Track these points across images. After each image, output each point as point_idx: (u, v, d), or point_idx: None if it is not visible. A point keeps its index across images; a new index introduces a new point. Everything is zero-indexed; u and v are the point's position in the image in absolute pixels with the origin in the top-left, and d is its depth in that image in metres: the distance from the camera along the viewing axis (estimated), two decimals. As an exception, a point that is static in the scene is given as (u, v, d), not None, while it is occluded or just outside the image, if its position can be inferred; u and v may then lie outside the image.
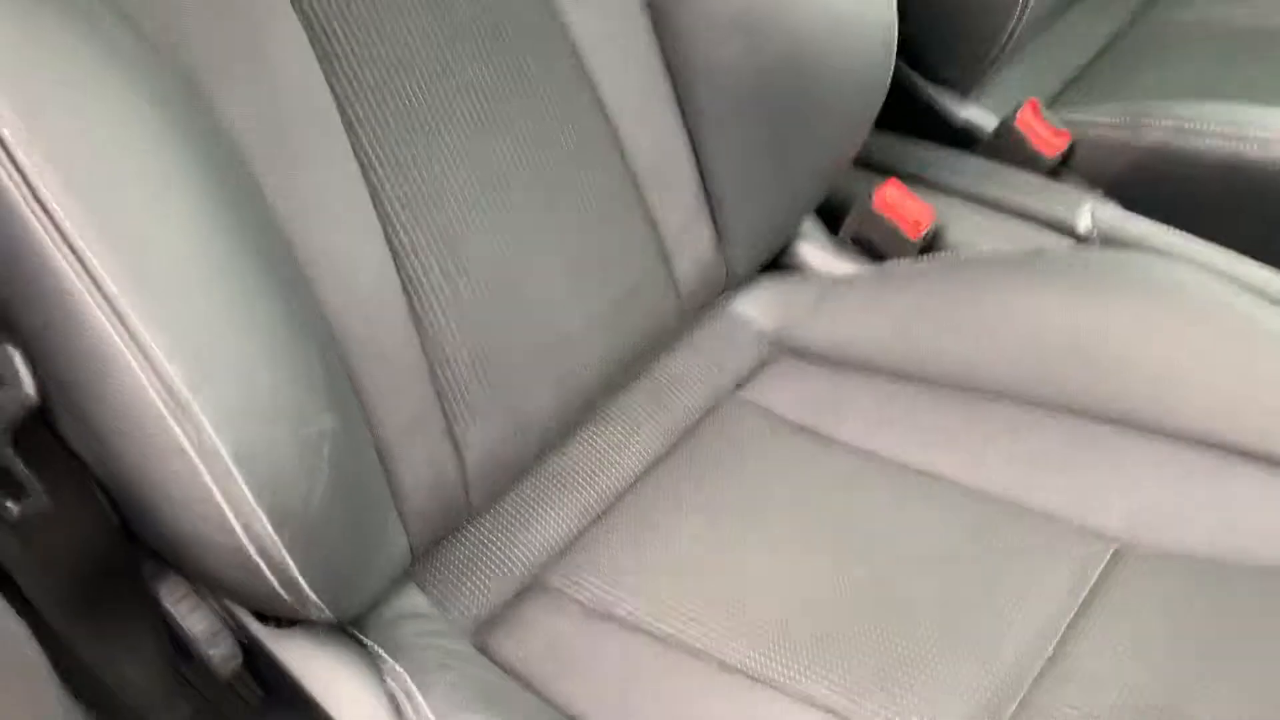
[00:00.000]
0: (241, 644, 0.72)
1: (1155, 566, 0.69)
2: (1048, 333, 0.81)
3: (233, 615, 0.71)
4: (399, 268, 0.70)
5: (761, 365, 0.96)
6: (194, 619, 0.69)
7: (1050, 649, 0.66)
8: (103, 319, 0.49)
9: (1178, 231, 0.91)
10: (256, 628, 0.70)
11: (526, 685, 0.73)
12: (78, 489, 0.61)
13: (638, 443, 0.89)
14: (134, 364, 0.50)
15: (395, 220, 0.70)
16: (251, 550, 0.56)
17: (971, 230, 0.96)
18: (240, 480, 0.53)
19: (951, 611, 0.70)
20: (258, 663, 0.74)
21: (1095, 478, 0.76)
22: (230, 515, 0.53)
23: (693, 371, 0.93)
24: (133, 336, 0.49)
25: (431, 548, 0.80)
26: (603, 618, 0.76)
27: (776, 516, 0.80)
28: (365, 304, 0.68)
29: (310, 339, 0.59)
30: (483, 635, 0.78)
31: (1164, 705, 0.62)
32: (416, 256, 0.71)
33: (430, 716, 0.65)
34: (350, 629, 0.73)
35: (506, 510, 0.83)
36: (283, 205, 0.63)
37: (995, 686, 0.65)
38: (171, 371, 0.50)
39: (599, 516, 0.85)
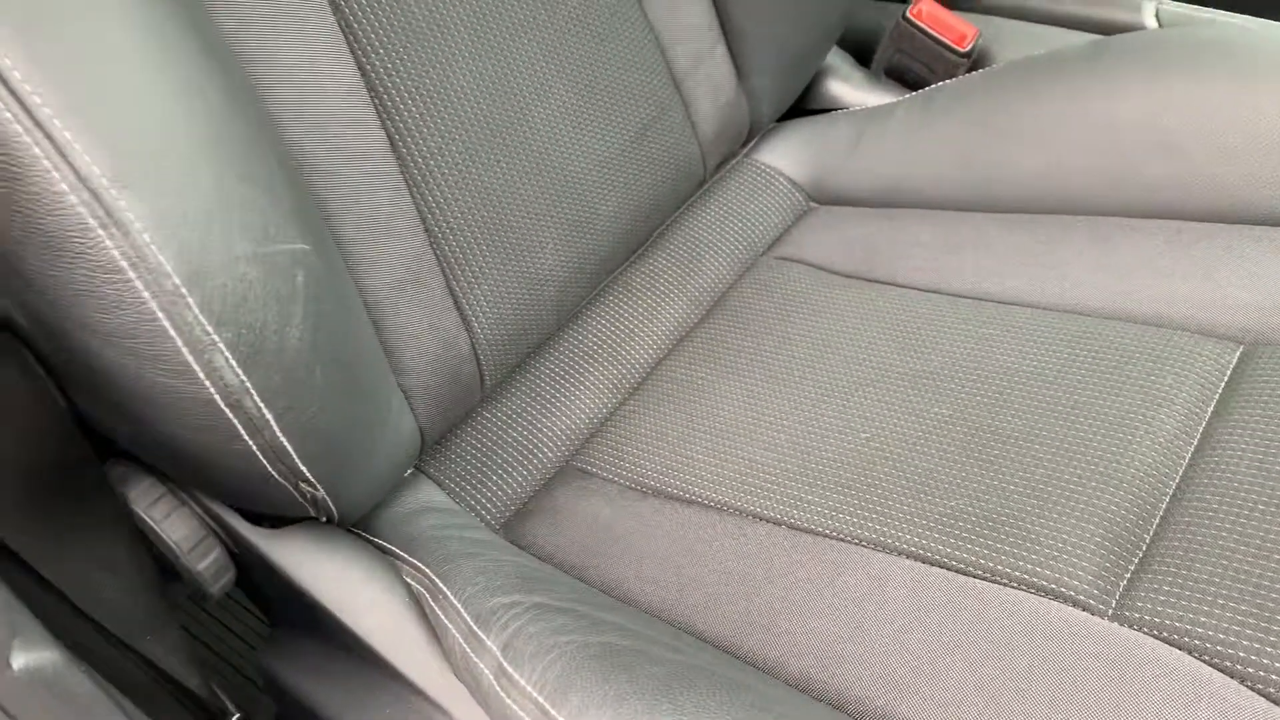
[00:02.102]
0: (232, 556, 0.62)
1: (1294, 363, 0.59)
2: (1129, 127, 0.70)
3: (219, 521, 0.61)
4: (373, 95, 0.59)
5: (799, 218, 0.85)
6: (172, 524, 0.59)
7: (1184, 464, 0.56)
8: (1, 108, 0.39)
9: (1249, 17, 0.80)
10: (248, 530, 0.60)
11: (566, 572, 0.63)
12: (10, 363, 0.50)
13: (668, 310, 0.78)
14: (43, 158, 0.39)
15: (362, 38, 0.59)
16: (218, 399, 0.45)
17: (1023, 44, 0.84)
18: (192, 303, 0.42)
19: (1064, 438, 0.59)
20: (255, 580, 0.64)
21: (1209, 276, 0.65)
22: (185, 350, 0.43)
23: (723, 231, 0.83)
24: (39, 125, 0.39)
25: (445, 436, 0.70)
26: (646, 493, 0.65)
27: (836, 368, 0.69)
28: (334, 136, 0.57)
29: (267, 152, 0.48)
30: (512, 529, 0.68)
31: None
32: (392, 82, 0.60)
33: (460, 607, 0.54)
34: (357, 530, 0.63)
35: (527, 391, 0.73)
36: (230, 21, 0.52)
37: (1126, 511, 0.54)
38: (90, 164, 0.39)
39: (632, 391, 0.74)
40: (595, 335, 0.76)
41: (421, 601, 0.58)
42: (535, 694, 0.48)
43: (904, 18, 0.84)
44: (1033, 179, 0.74)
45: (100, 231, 0.40)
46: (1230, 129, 0.67)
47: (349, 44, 0.58)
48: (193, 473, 0.56)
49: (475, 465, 0.70)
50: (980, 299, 0.70)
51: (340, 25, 0.58)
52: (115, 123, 0.40)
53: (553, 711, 0.46)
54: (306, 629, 0.67)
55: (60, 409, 0.54)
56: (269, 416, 0.47)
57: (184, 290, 0.42)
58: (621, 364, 0.75)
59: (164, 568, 0.62)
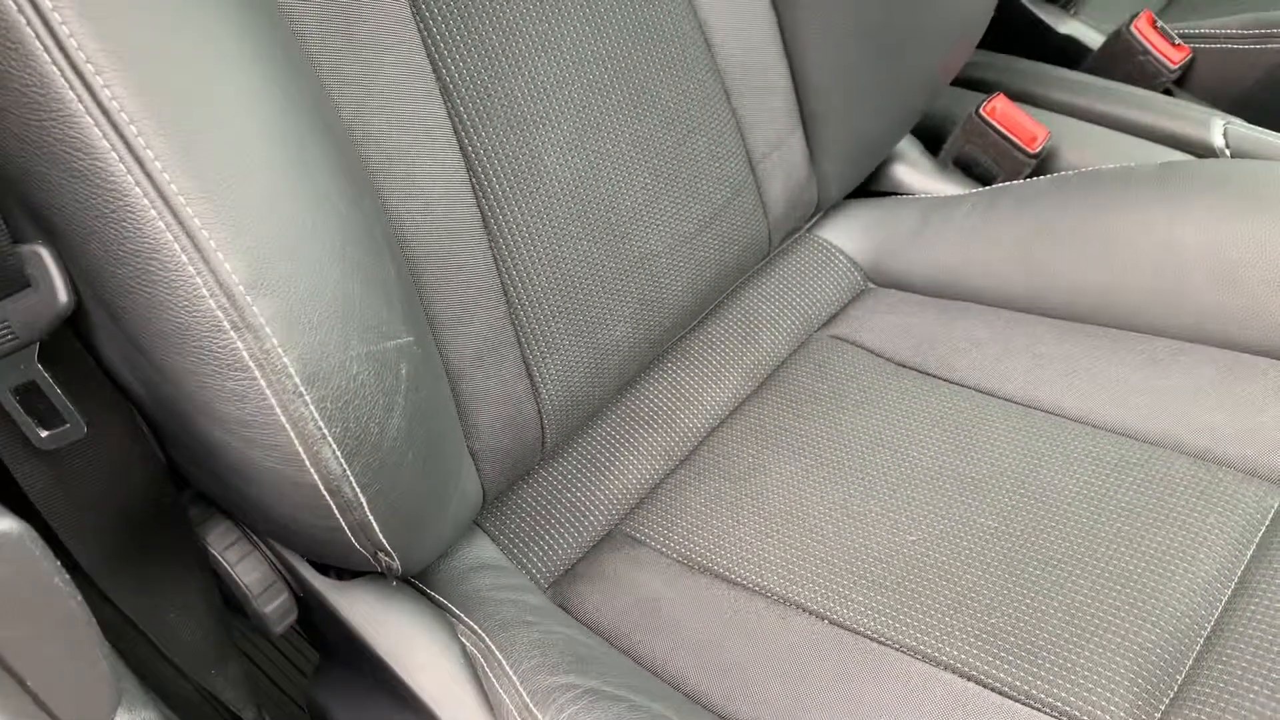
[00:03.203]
0: (296, 598, 0.65)
1: (1336, 513, 0.61)
2: (1190, 253, 0.72)
3: (288, 566, 0.63)
4: (472, 176, 0.62)
5: (856, 298, 0.87)
6: (245, 568, 0.62)
7: (1220, 606, 0.58)
8: (150, 208, 0.41)
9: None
10: (315, 579, 0.63)
11: (613, 643, 0.65)
12: (116, 418, 0.53)
13: (723, 381, 0.80)
14: (185, 260, 0.41)
15: (468, 123, 0.62)
16: (320, 484, 0.48)
17: (1090, 149, 0.86)
18: (309, 400, 0.44)
19: (1101, 565, 0.61)
20: (314, 619, 0.67)
21: (1258, 414, 0.67)
22: (297, 442, 0.45)
23: (781, 305, 0.85)
24: (184, 229, 0.41)
25: (503, 494, 0.73)
26: (693, 570, 0.68)
27: (884, 461, 0.71)
28: (435, 216, 0.60)
29: (382, 246, 0.51)
30: (561, 589, 0.70)
31: (1362, 669, 0.53)
32: (491, 165, 0.63)
33: (516, 679, 0.57)
34: (417, 583, 0.66)
35: (582, 454, 0.75)
36: (349, 105, 0.55)
37: (1162, 649, 0.56)
38: (228, 269, 0.42)
39: (683, 460, 0.77)
40: (651, 402, 0.78)
41: (475, 665, 0.60)
42: (589, 783, 0.50)
43: (977, 114, 0.86)
44: (1090, 291, 0.76)
45: (232, 333, 0.42)
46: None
47: (454, 127, 0.61)
48: (275, 530, 0.59)
49: (529, 523, 0.72)
50: (1031, 407, 0.73)
51: (448, 111, 0.61)
52: (255, 230, 0.43)
53: (606, 803, 0.49)
54: (357, 669, 0.70)
55: (156, 459, 0.57)
56: (363, 500, 0.50)
57: (303, 389, 0.44)
58: (674, 432, 0.78)
59: (230, 603, 0.65)
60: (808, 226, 0.89)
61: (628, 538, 0.72)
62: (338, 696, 0.69)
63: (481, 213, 0.63)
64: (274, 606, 0.63)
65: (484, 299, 0.64)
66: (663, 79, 0.71)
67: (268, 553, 0.63)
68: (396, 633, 0.62)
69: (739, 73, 0.76)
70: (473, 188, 0.62)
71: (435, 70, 0.60)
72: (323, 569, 0.63)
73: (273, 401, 0.44)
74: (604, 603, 0.68)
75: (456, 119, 0.61)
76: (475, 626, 0.62)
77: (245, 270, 0.42)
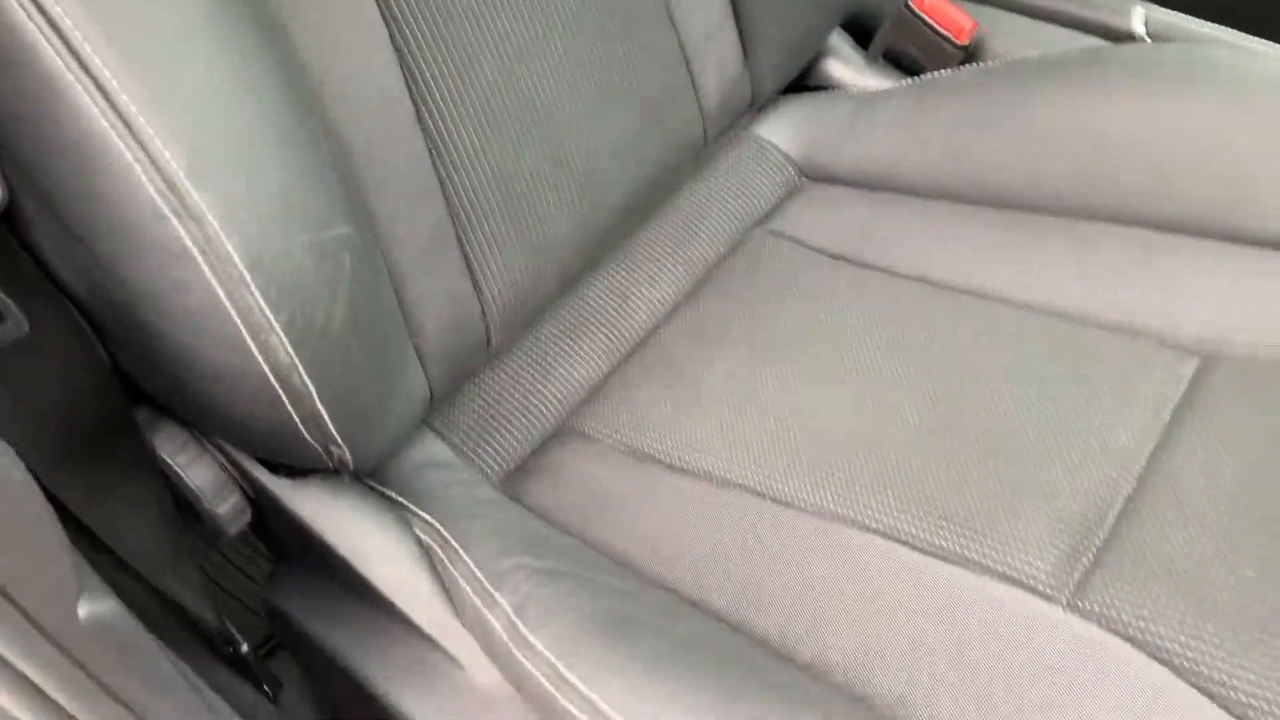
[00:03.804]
0: (249, 500, 0.66)
1: (1243, 375, 0.64)
2: (1114, 136, 0.74)
3: (240, 468, 0.64)
4: (406, 74, 0.61)
5: (791, 194, 0.88)
6: (196, 470, 0.62)
7: (1139, 469, 0.61)
8: (83, 94, 0.41)
9: (1235, 31, 0.84)
10: (267, 479, 0.63)
11: (566, 531, 0.67)
12: (58, 317, 0.53)
13: (664, 279, 0.81)
14: (123, 148, 0.41)
15: (401, 20, 0.61)
16: (269, 374, 0.48)
17: (1016, 39, 0.88)
18: (254, 287, 0.45)
19: (1029, 435, 0.64)
20: (267, 522, 0.68)
21: (1173, 289, 0.70)
22: (244, 331, 0.46)
23: (718, 203, 0.86)
24: (120, 115, 0.41)
25: (451, 394, 0.73)
26: (641, 460, 0.70)
27: (821, 348, 0.74)
28: (371, 115, 0.60)
29: (319, 141, 0.50)
30: (512, 484, 0.72)
31: (1267, 518, 0.57)
32: (424, 62, 0.62)
33: (472, 564, 0.59)
34: (368, 481, 0.67)
35: (528, 353, 0.76)
36: (283, 3, 0.54)
37: (1084, 511, 0.59)
38: (167, 156, 0.41)
39: (628, 357, 0.78)
40: (594, 301, 0.79)
41: (431, 555, 0.62)
42: (548, 654, 0.52)
43: (906, 6, 0.87)
44: (1017, 178, 0.78)
45: (175, 220, 0.42)
46: (1206, 148, 0.71)
47: (387, 23, 0.60)
48: (225, 428, 0.59)
49: (478, 421, 0.73)
50: (962, 292, 0.75)
51: (381, 7, 0.60)
52: (193, 119, 0.43)
53: (565, 672, 0.51)
54: (313, 568, 0.72)
55: (100, 360, 0.57)
56: (312, 389, 0.50)
57: (248, 277, 0.45)
58: (618, 330, 0.79)
59: (182, 508, 0.66)
60: (743, 124, 0.90)
61: (576, 433, 0.74)
62: (293, 597, 0.71)
63: (417, 111, 0.62)
64: (227, 508, 0.64)
65: (422, 199, 0.64)
66: (594, -27, 0.71)
67: (218, 455, 0.63)
68: (351, 527, 0.63)
69: (671, -32, 0.76)
70: (408, 87, 0.62)
71: None
72: (274, 468, 0.64)
73: (218, 290, 0.44)
74: (555, 495, 0.70)
75: (389, 14, 0.61)
76: (429, 518, 0.63)
77: (185, 157, 0.42)
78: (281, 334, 0.47)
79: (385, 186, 0.61)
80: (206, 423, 0.60)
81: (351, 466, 0.59)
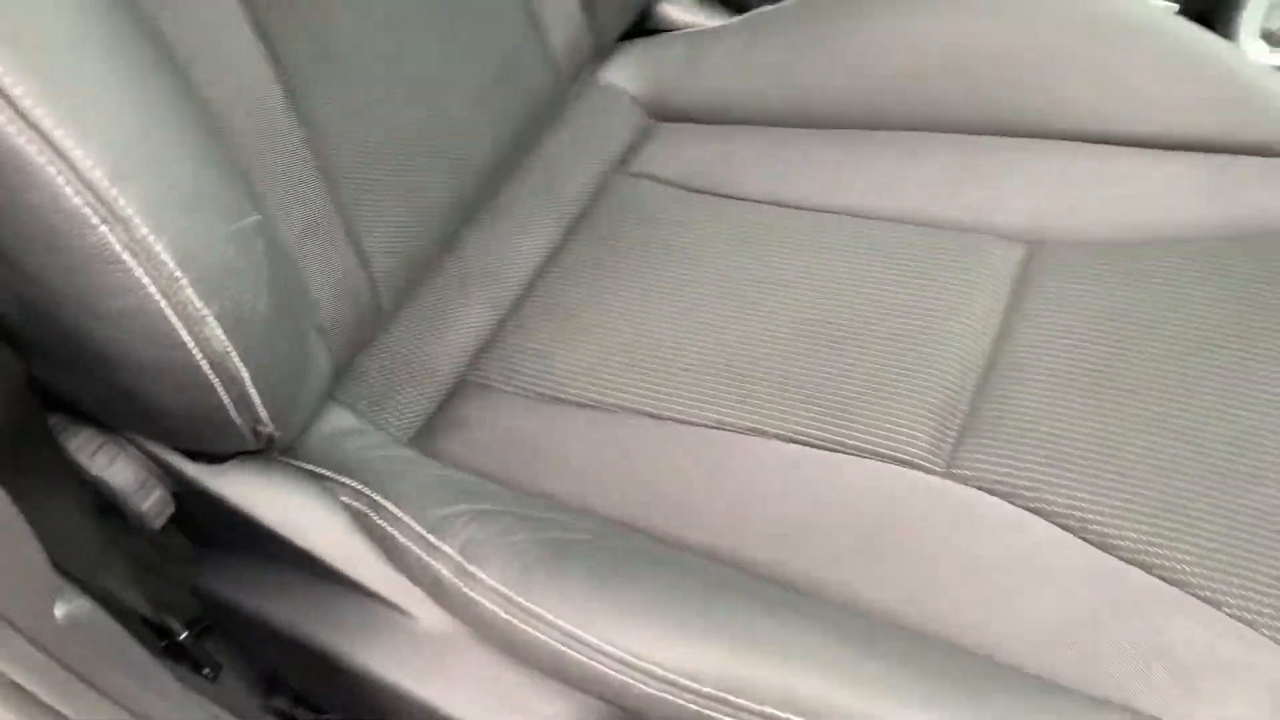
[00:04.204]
0: (171, 492, 0.67)
1: (1067, 256, 0.73)
2: (929, 54, 0.82)
3: (158, 461, 0.65)
4: (272, 56, 0.63)
5: (644, 135, 0.93)
6: (116, 471, 0.63)
7: (987, 346, 0.69)
8: (4, 120, 0.41)
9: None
10: (190, 468, 0.64)
11: (484, 478, 0.71)
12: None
13: (535, 229, 0.85)
14: (44, 162, 0.42)
15: (263, 8, 0.62)
16: (205, 363, 0.50)
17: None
18: (186, 283, 0.47)
19: (889, 329, 0.71)
20: (188, 512, 0.69)
21: (996, 186, 0.78)
22: (180, 326, 0.48)
23: (576, 151, 0.90)
24: (37, 130, 0.42)
25: (350, 365, 0.76)
26: (543, 401, 0.74)
27: (695, 276, 0.79)
28: (244, 100, 0.62)
29: (212, 130, 0.52)
30: (422, 442, 0.75)
31: (1099, 374, 0.66)
32: (288, 43, 0.64)
33: (408, 519, 0.62)
34: (286, 459, 0.69)
35: (417, 315, 0.79)
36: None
37: (949, 386, 0.67)
38: (88, 164, 0.43)
39: (513, 307, 0.82)
40: (473, 257, 0.83)
41: (362, 520, 0.65)
42: (500, 587, 0.56)
43: (726, -55, 0.92)
44: (846, 98, 0.85)
45: (103, 227, 0.44)
46: (1014, 54, 0.80)
47: (245, 8, 0.61)
48: (150, 423, 0.60)
49: (379, 386, 0.76)
50: (812, 210, 0.82)
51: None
52: (105, 123, 0.44)
53: (520, 600, 0.55)
54: (240, 550, 0.73)
55: (13, 371, 0.57)
56: (244, 373, 0.52)
57: (179, 273, 0.46)
58: (500, 281, 0.82)
59: (104, 508, 0.66)
60: (589, 73, 0.94)
61: (476, 385, 0.77)
62: (225, 579, 0.72)
63: (287, 93, 0.64)
64: (150, 503, 0.65)
65: (303, 178, 0.66)
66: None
67: (137, 452, 0.64)
68: (281, 503, 0.65)
69: (506, -74, 0.79)
70: (275, 70, 0.63)
71: None
72: (194, 457, 0.65)
73: (152, 290, 0.46)
74: (467, 446, 0.73)
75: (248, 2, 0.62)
76: (354, 484, 0.66)
77: (104, 163, 0.43)
78: (215, 324, 0.49)
79: (267, 170, 0.63)
80: (129, 421, 0.61)
81: (278, 444, 0.61)
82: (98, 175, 0.43)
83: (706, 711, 0.51)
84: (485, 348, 0.80)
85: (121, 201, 0.44)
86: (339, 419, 0.73)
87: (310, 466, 0.68)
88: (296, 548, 0.65)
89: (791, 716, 0.50)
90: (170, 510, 0.67)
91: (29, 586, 0.44)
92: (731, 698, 0.50)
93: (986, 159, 0.79)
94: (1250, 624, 0.53)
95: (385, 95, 0.70)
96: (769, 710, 0.50)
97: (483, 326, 0.80)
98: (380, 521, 0.63)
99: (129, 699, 0.49)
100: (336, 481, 0.67)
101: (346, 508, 0.65)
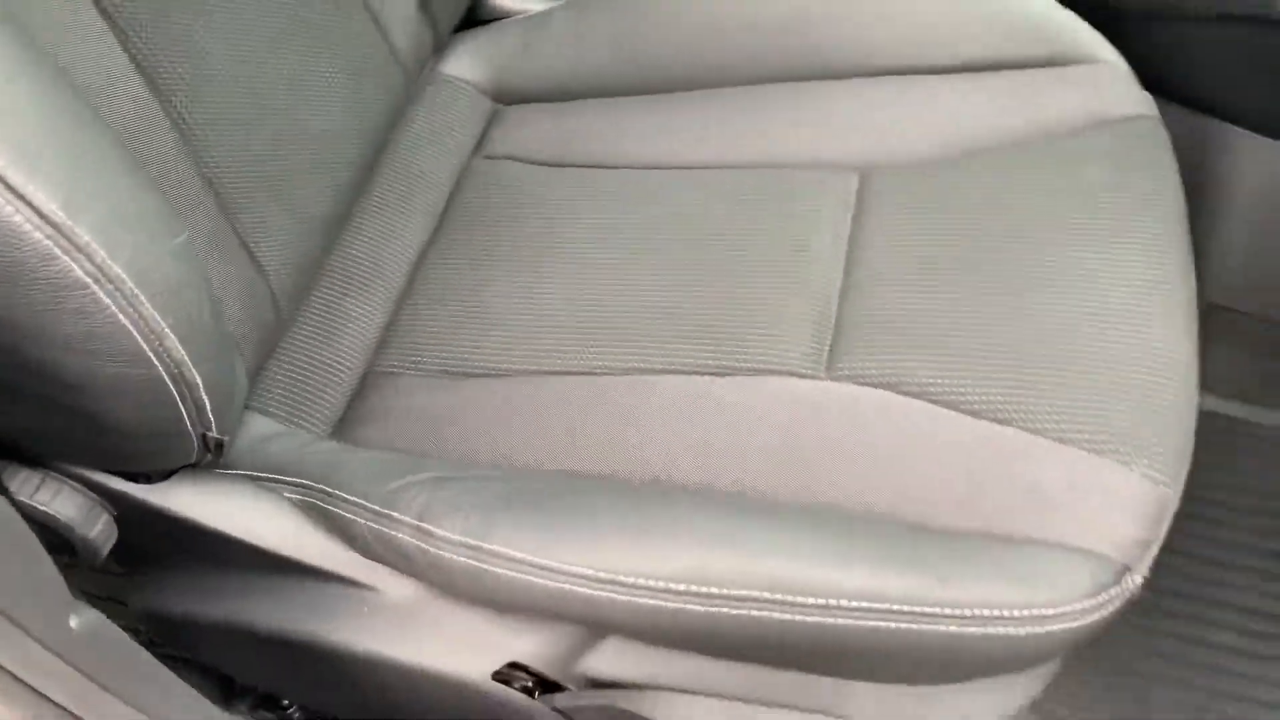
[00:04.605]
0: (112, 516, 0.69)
1: (896, 177, 0.83)
2: (750, 13, 0.90)
3: (97, 488, 0.67)
4: (146, 80, 0.65)
5: (493, 121, 0.98)
6: (61, 503, 0.65)
7: (843, 259, 0.78)
8: None
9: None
10: (131, 489, 0.67)
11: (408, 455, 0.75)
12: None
13: (409, 222, 0.89)
14: (7, 206, 0.44)
15: (129, 31, 0.64)
16: (165, 375, 0.53)
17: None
18: (144, 300, 0.50)
19: (756, 261, 0.79)
20: (126, 535, 0.71)
21: (828, 124, 0.87)
22: (142, 341, 0.51)
23: (434, 143, 0.94)
24: None
25: (258, 374, 0.78)
26: (452, 377, 0.79)
27: (565, 244, 0.85)
28: (128, 124, 0.64)
29: (131, 156, 0.55)
30: (341, 435, 0.79)
31: (940, 266, 0.76)
32: (159, 63, 0.66)
33: (357, 500, 0.66)
34: (220, 470, 0.71)
35: (313, 317, 0.83)
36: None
37: (816, 301, 0.76)
38: (43, 198, 0.45)
39: (403, 297, 0.86)
40: (358, 254, 0.86)
41: (311, 511, 0.68)
42: (464, 539, 0.62)
43: (545, -71, 0.98)
44: (680, 62, 0.92)
45: (65, 257, 0.47)
46: (823, 5, 0.89)
47: (115, 34, 0.64)
48: (100, 447, 0.62)
49: (290, 389, 0.79)
50: (666, 167, 0.89)
51: (107, 23, 0.63)
52: (51, 160, 0.47)
53: (486, 545, 0.61)
54: (179, 567, 0.75)
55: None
56: (198, 380, 0.56)
57: (137, 291, 0.50)
58: (385, 277, 0.86)
59: (52, 546, 0.67)
60: (431, 68, 0.98)
61: (382, 374, 0.81)
62: (173, 595, 0.75)
63: (167, 115, 0.67)
64: (97, 529, 0.66)
65: (194, 196, 0.69)
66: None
67: (76, 483, 0.66)
68: (228, 508, 0.68)
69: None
70: (151, 91, 0.66)
71: None
72: (132, 479, 0.67)
73: (114, 309, 0.49)
74: (384, 431, 0.78)
75: (116, 29, 0.64)
76: (294, 480, 0.70)
77: (57, 197, 0.46)
78: (172, 336, 0.52)
79: (163, 189, 0.65)
80: (76, 449, 0.63)
81: (224, 450, 0.64)
82: (53, 209, 0.46)
83: (670, 604, 0.58)
84: (384, 339, 0.84)
85: (78, 231, 0.47)
86: (259, 426, 0.76)
87: (247, 472, 0.71)
88: (250, 547, 0.68)
89: (747, 591, 0.57)
90: (115, 535, 0.69)
91: (46, 601, 0.47)
92: (694, 587, 0.58)
93: (815, 102, 0.89)
94: (1100, 453, 0.64)
95: (253, 107, 0.73)
96: (727, 591, 0.57)
97: (378, 320, 0.84)
98: (331, 508, 0.67)
99: (142, 702, 0.52)
100: (275, 481, 0.70)
101: (293, 503, 0.69)
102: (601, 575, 0.58)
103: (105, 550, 0.68)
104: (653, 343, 0.77)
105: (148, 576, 0.76)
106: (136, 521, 0.69)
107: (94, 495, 0.67)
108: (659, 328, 0.77)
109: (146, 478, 0.68)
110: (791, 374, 0.73)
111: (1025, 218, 0.76)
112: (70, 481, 0.66)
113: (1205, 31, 0.98)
